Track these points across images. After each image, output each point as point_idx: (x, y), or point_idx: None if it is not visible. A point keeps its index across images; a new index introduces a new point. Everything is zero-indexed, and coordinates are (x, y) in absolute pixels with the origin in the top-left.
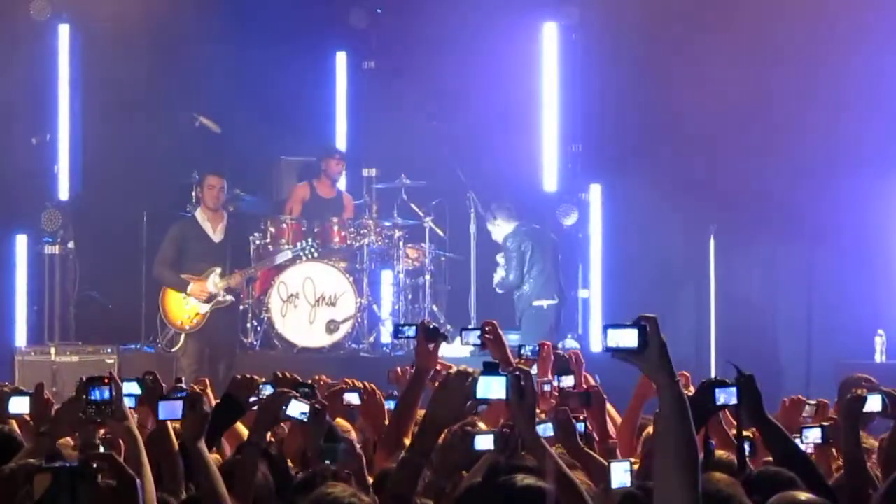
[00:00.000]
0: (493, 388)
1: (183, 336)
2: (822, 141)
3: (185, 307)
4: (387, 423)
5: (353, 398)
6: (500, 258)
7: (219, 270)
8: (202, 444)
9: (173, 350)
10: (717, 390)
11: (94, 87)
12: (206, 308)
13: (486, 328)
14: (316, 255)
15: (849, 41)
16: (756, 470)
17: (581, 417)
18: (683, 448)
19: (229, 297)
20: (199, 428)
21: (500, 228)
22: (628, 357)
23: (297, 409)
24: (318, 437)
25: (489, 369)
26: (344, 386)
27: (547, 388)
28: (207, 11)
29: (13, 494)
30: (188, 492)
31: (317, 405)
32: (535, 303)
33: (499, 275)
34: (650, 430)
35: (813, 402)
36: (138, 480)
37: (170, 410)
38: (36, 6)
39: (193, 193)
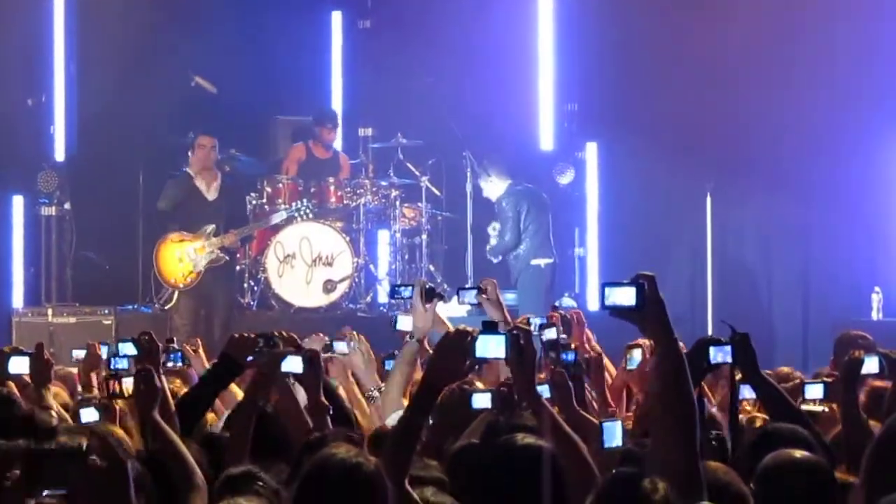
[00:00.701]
0: (491, 347)
1: (176, 294)
2: (819, 98)
3: (178, 265)
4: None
5: (341, 347)
6: (493, 226)
7: (212, 228)
8: (156, 415)
9: (167, 308)
10: (711, 349)
11: (90, 48)
12: (200, 266)
13: (485, 287)
14: (311, 215)
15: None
16: (772, 425)
17: (571, 346)
18: (682, 405)
19: (224, 256)
20: (151, 401)
21: (494, 185)
22: (626, 315)
23: (293, 364)
24: (316, 388)
25: (488, 328)
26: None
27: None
28: None
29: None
30: None
31: (309, 354)
32: (533, 262)
33: (493, 241)
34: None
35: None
36: (129, 463)
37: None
38: None
39: (190, 154)
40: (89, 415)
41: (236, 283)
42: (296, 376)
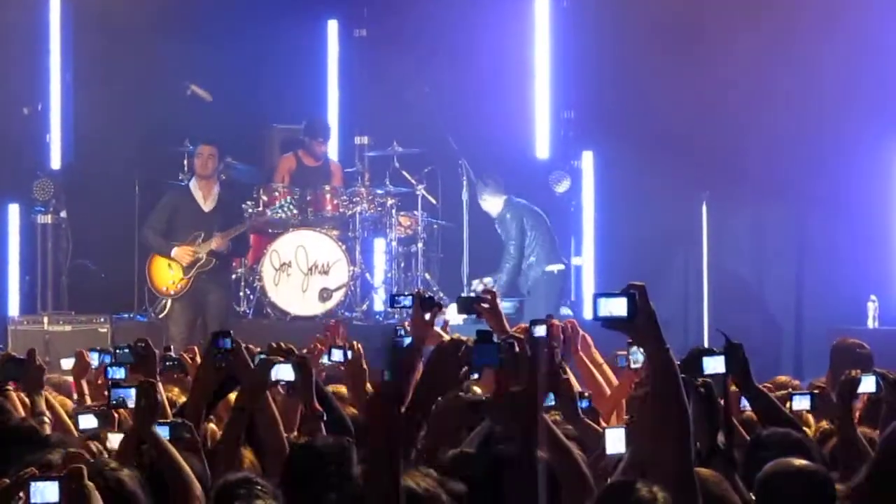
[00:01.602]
0: (486, 356)
1: (169, 302)
2: (814, 108)
3: (168, 272)
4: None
5: (338, 355)
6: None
7: (201, 234)
8: (156, 430)
9: (160, 317)
10: (704, 359)
11: (86, 57)
12: (190, 272)
13: (485, 297)
14: (295, 211)
15: (837, 7)
16: (765, 431)
17: (586, 394)
18: (675, 415)
19: (213, 260)
20: (152, 416)
21: (492, 202)
22: (618, 325)
23: (283, 372)
24: (309, 395)
25: (483, 338)
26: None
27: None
28: None
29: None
30: None
31: (298, 360)
32: (548, 268)
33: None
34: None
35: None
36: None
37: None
38: None
39: (186, 162)
40: (88, 421)
41: (232, 291)
42: (288, 384)
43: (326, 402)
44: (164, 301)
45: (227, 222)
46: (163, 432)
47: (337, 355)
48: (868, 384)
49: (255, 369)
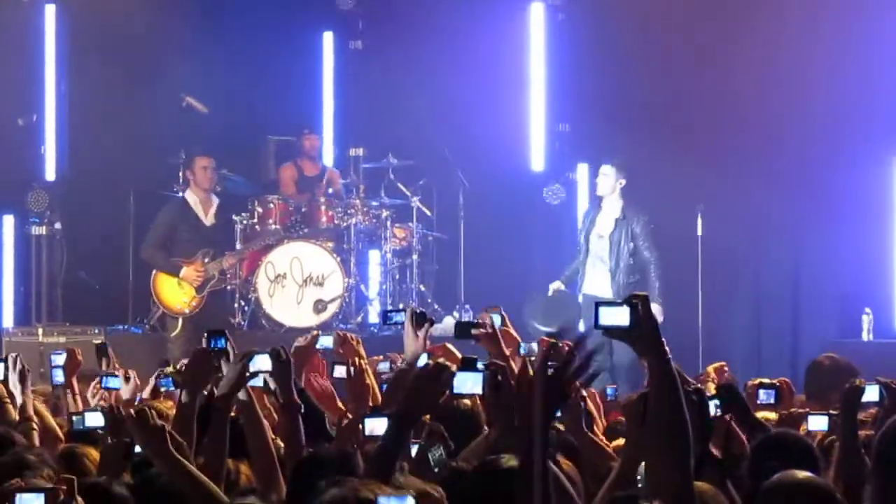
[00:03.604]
0: (468, 383)
1: (180, 321)
2: (810, 122)
3: (180, 291)
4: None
5: (340, 371)
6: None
7: (208, 252)
8: (167, 446)
9: (173, 335)
10: (600, 308)
11: (81, 68)
12: (203, 291)
13: (482, 324)
14: (306, 230)
15: (839, 6)
16: (764, 435)
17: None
18: (675, 426)
19: (225, 279)
20: (157, 443)
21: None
22: (620, 335)
23: (261, 363)
24: (287, 386)
25: (466, 365)
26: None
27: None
28: None
29: None
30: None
31: (277, 351)
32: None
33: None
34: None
35: (769, 381)
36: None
37: None
38: None
39: (181, 174)
40: (95, 419)
41: (227, 304)
42: (267, 377)
43: (303, 397)
44: (164, 315)
45: (227, 237)
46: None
47: (339, 371)
48: (872, 393)
49: (234, 360)
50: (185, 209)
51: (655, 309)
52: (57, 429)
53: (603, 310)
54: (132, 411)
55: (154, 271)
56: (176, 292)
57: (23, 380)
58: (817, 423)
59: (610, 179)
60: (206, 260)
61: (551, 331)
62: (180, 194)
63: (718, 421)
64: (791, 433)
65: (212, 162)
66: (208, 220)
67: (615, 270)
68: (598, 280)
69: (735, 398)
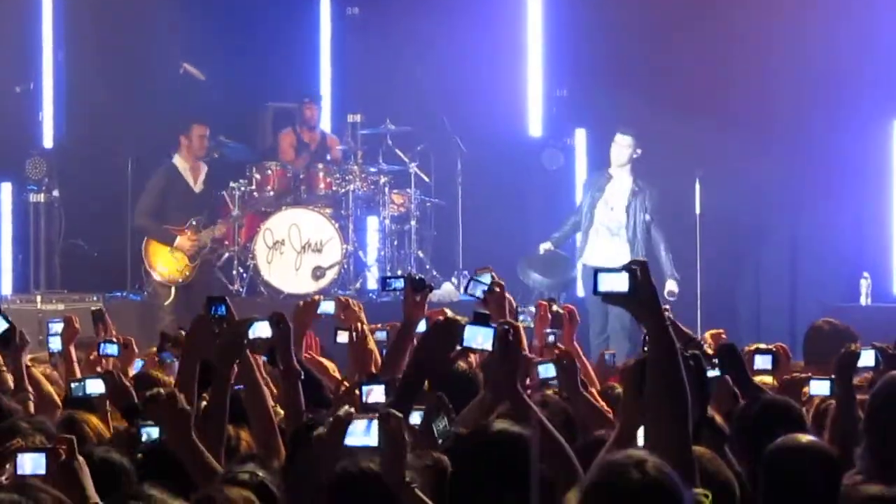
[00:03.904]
0: (479, 338)
1: (173, 290)
2: (809, 88)
3: (172, 259)
4: (373, 369)
5: (343, 337)
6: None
7: (198, 220)
8: (190, 432)
9: (165, 304)
10: (600, 275)
11: (78, 35)
12: (196, 260)
13: (496, 287)
14: (305, 197)
15: None
16: (764, 400)
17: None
18: (674, 392)
19: (217, 247)
20: (184, 428)
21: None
22: (618, 301)
23: (261, 329)
24: (287, 352)
25: (478, 319)
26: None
27: (551, 339)
28: None
29: None
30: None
31: (277, 317)
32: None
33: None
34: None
35: (765, 346)
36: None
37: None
38: None
39: (183, 139)
40: (95, 386)
41: (225, 271)
42: (268, 356)
43: (301, 365)
44: (158, 283)
45: (218, 203)
46: None
47: (342, 337)
48: (867, 358)
49: (232, 325)
50: (173, 175)
51: (674, 286)
52: (54, 395)
53: (602, 276)
54: (162, 391)
55: (145, 239)
56: (169, 261)
57: (21, 348)
58: (819, 387)
59: (627, 150)
60: (199, 228)
61: (550, 281)
62: (170, 160)
63: (720, 382)
64: (781, 400)
65: (205, 130)
66: (197, 186)
67: (634, 241)
68: (604, 250)
69: (735, 359)
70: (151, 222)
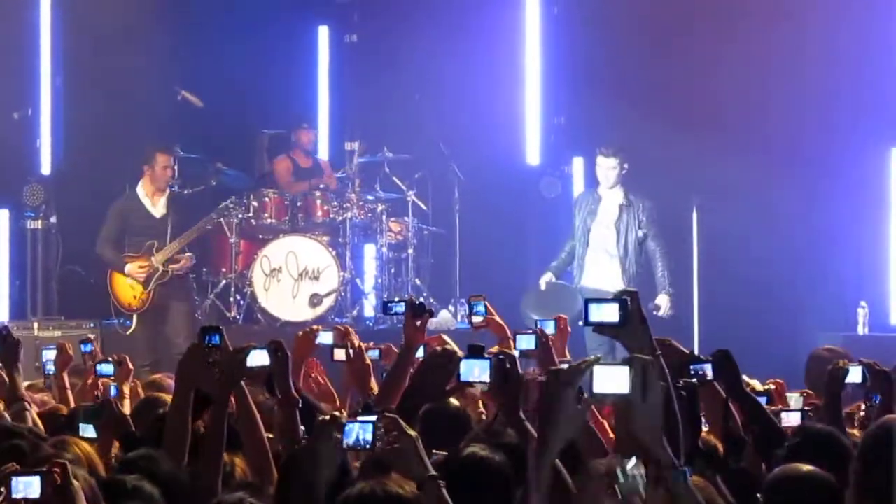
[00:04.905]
0: (475, 370)
1: (135, 318)
2: (807, 115)
3: (129, 287)
4: (373, 386)
5: (340, 354)
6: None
7: (154, 244)
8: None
9: (128, 333)
10: (691, 366)
11: (76, 61)
12: (150, 285)
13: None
14: (232, 208)
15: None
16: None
17: None
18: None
19: (172, 267)
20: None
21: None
22: (609, 331)
23: (259, 358)
24: (285, 380)
25: (473, 352)
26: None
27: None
28: None
29: None
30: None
31: (275, 346)
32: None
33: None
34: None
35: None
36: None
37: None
38: None
39: (146, 169)
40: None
41: (222, 297)
42: (267, 385)
43: (299, 394)
44: (130, 316)
45: (181, 226)
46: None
47: (339, 354)
48: (855, 375)
49: (231, 354)
50: (132, 202)
51: (664, 301)
52: (40, 424)
53: (593, 307)
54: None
55: (109, 270)
56: (125, 288)
57: (14, 361)
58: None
59: (613, 171)
60: (154, 252)
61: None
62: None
63: (712, 388)
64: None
65: (171, 160)
66: (157, 211)
67: (624, 259)
68: (602, 272)
69: (729, 367)
70: (109, 251)
